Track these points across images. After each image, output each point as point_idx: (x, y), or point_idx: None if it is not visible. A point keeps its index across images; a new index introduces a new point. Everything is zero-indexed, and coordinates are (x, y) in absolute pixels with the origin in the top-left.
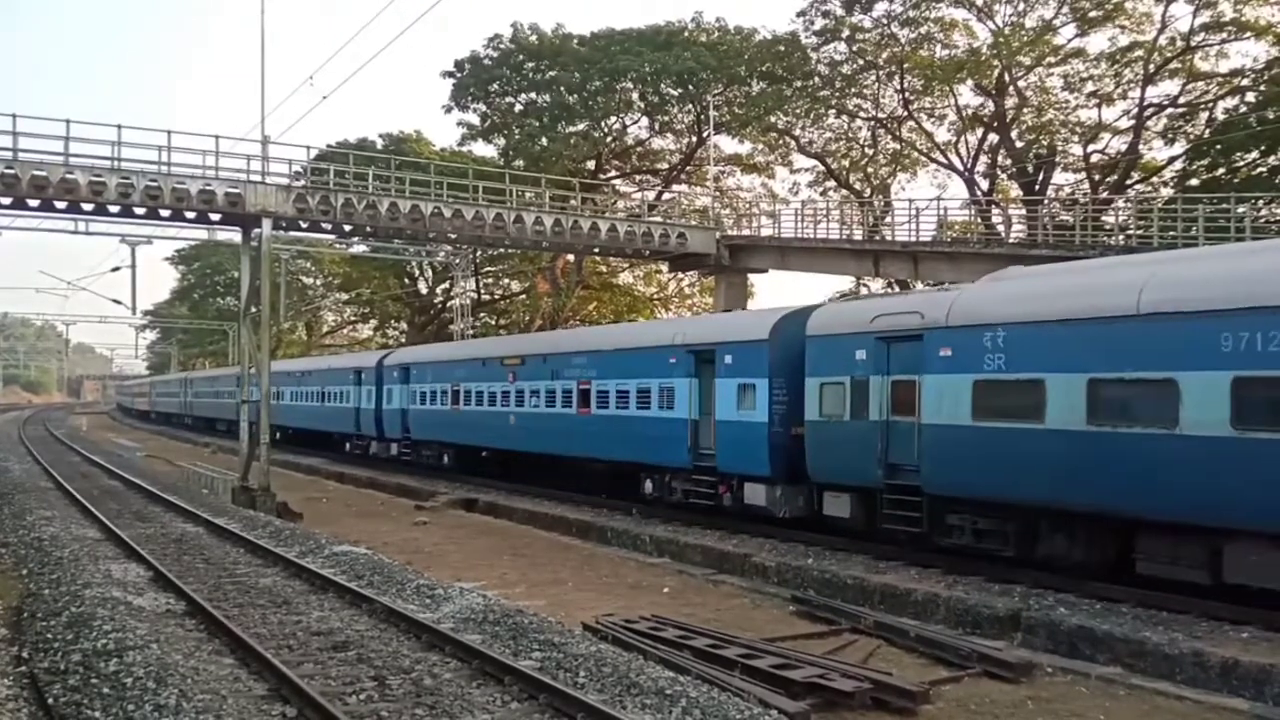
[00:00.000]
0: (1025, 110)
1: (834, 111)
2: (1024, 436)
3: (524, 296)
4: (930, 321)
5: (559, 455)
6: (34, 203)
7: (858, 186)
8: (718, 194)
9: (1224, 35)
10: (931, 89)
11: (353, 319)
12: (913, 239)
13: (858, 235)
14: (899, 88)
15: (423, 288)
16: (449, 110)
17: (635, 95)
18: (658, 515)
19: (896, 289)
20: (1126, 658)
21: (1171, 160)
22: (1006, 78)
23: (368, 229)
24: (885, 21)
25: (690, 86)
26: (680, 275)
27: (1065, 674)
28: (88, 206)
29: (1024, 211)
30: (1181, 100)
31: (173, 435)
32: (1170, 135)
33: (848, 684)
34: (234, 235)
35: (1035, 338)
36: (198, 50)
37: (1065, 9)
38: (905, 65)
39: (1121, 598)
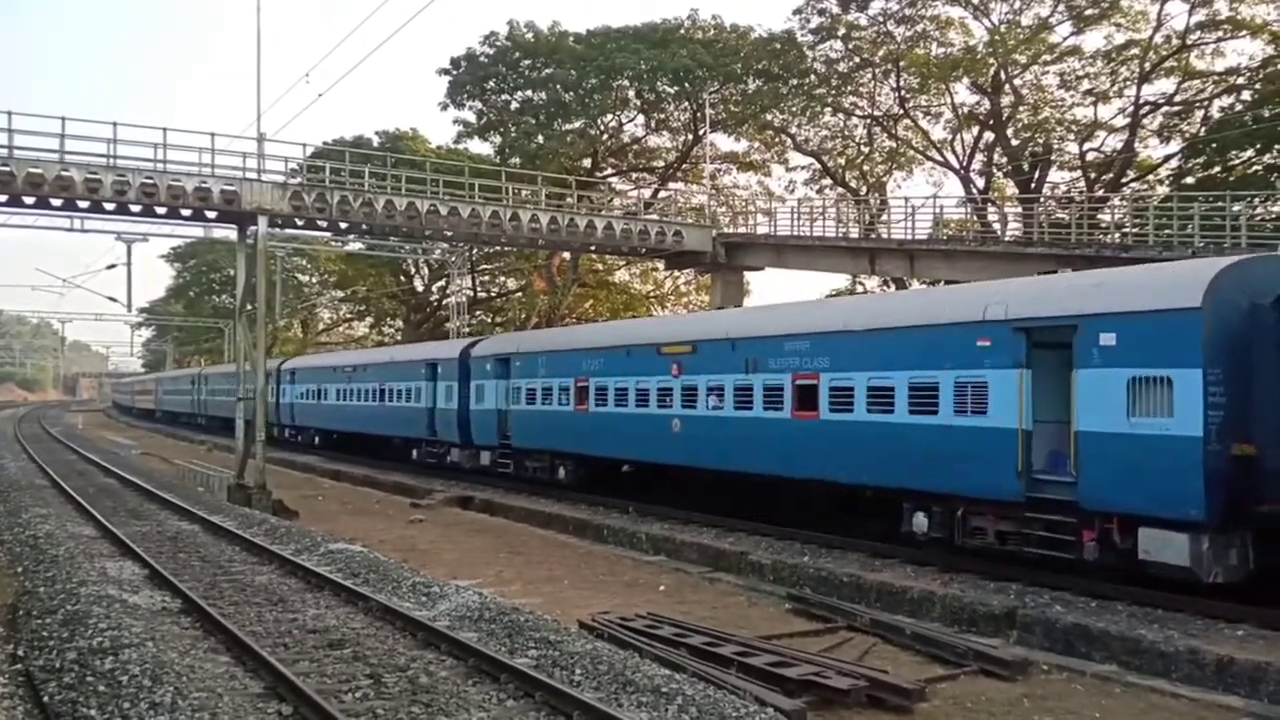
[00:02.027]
0: (1021, 108)
1: (830, 109)
2: None
3: (520, 294)
4: None
5: (756, 474)
6: (29, 200)
7: (854, 184)
8: (714, 192)
9: (1220, 34)
10: (927, 87)
11: (348, 317)
12: (908, 237)
13: (854, 233)
14: (895, 85)
15: (419, 285)
16: (445, 108)
17: (631, 93)
18: (654, 513)
19: (893, 287)
20: (1122, 655)
21: (1167, 158)
22: (1002, 76)
23: (363, 227)
24: (881, 19)
25: (686, 84)
26: (676, 273)
27: (1061, 672)
28: (83, 204)
29: (1020, 210)
30: (1177, 98)
31: (169, 433)
32: (1166, 133)
33: (843, 682)
34: (230, 233)
35: None
36: (195, 48)
37: (1061, 7)
38: (901, 63)
39: (1117, 596)
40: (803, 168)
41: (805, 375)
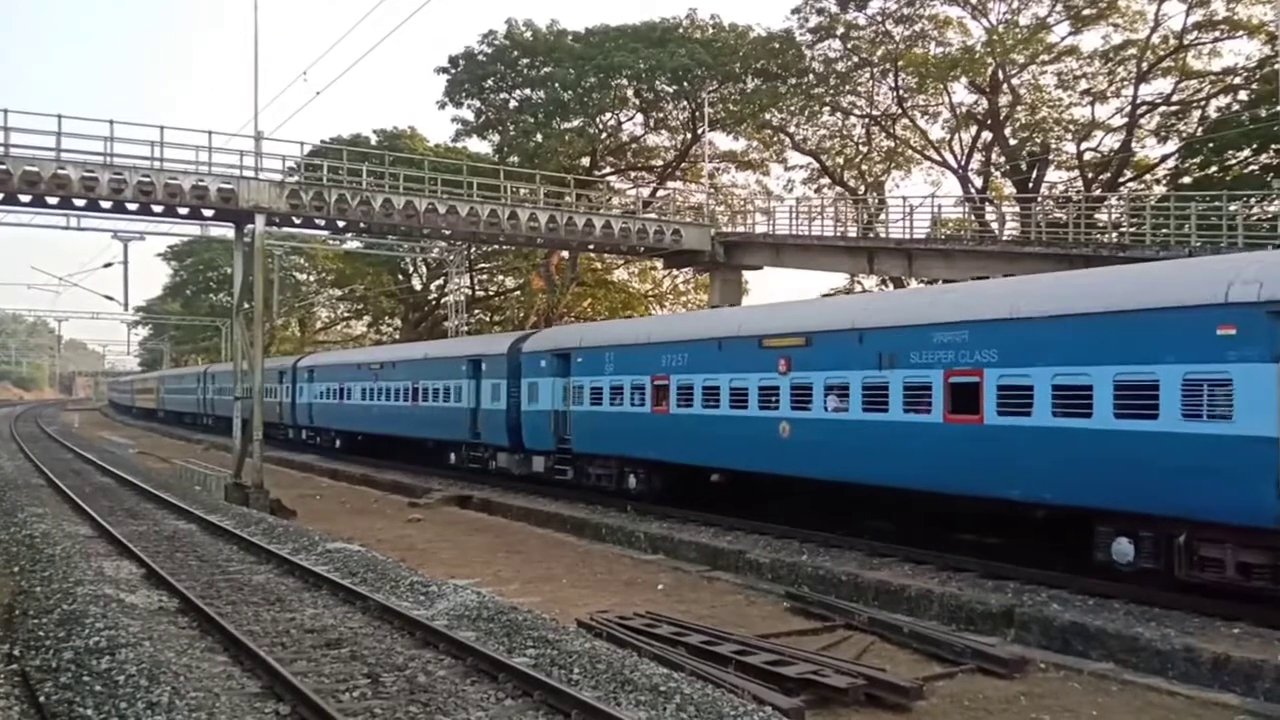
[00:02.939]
0: (1019, 108)
1: (828, 109)
2: None
3: (518, 293)
4: None
5: (890, 486)
6: (26, 198)
7: (852, 184)
8: (712, 191)
9: (1216, 33)
10: (925, 86)
11: (346, 315)
12: (907, 236)
13: (852, 232)
14: (893, 85)
15: (416, 284)
16: (443, 106)
17: (630, 92)
18: (652, 512)
19: (891, 286)
20: (1119, 654)
21: (1164, 158)
22: (1000, 75)
23: (361, 225)
24: (880, 19)
25: (685, 83)
26: (675, 272)
27: (1058, 670)
28: (80, 202)
29: (1017, 209)
30: (1174, 98)
31: (166, 432)
32: (1163, 133)
33: (841, 680)
34: (227, 231)
35: None
36: (193, 47)
37: (1059, 7)
38: (899, 63)
39: (1114, 594)
40: (801, 167)
41: (962, 371)
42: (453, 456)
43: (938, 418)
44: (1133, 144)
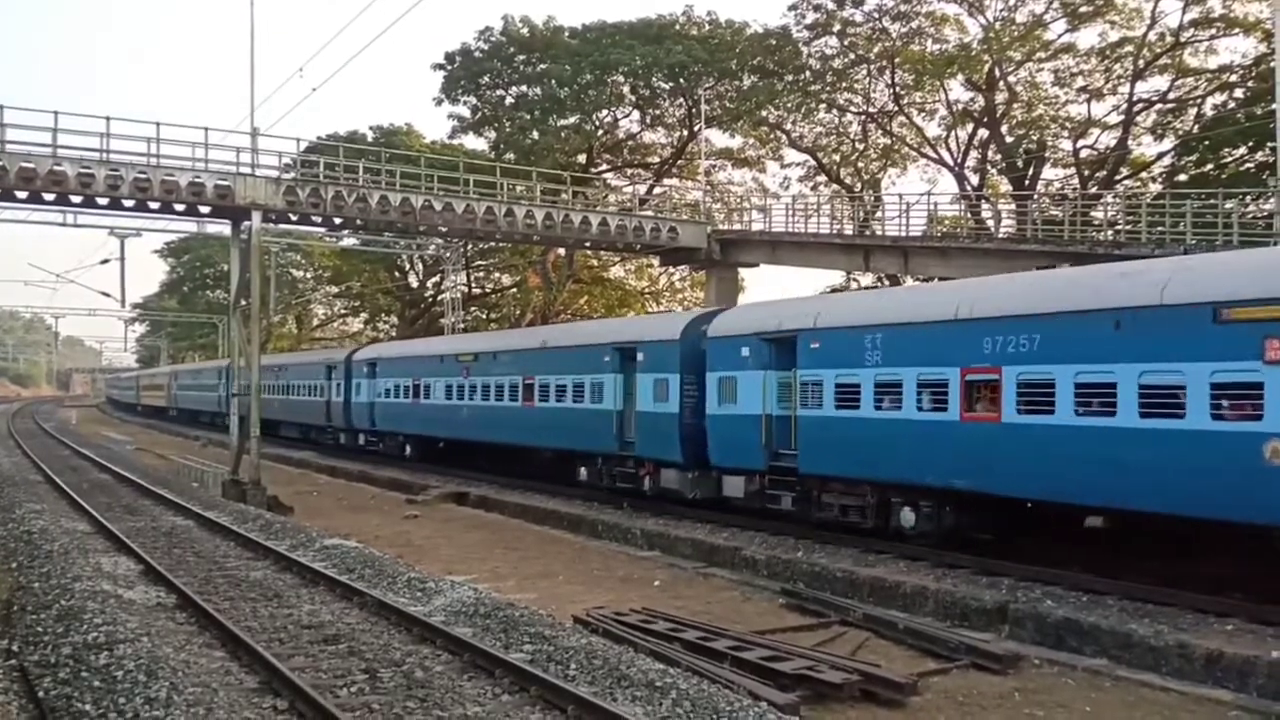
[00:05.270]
0: (1015, 105)
1: (825, 106)
2: None
3: (515, 290)
4: None
5: None
6: (22, 194)
7: (848, 181)
8: (709, 188)
9: (1213, 31)
10: (922, 84)
11: (343, 312)
12: (903, 234)
13: (848, 230)
14: (890, 82)
15: (413, 281)
16: (440, 103)
17: (626, 89)
18: (648, 509)
19: (887, 283)
20: (1113, 650)
21: (1160, 156)
22: (997, 73)
23: (358, 222)
24: (876, 16)
25: (681, 80)
26: (671, 269)
27: (1052, 666)
28: (76, 199)
29: (1013, 207)
30: (1171, 96)
31: (164, 429)
32: (1159, 131)
33: (836, 676)
34: (224, 228)
35: None
36: (190, 43)
37: (1055, 4)
38: (896, 60)
39: (1108, 590)
40: (797, 164)
41: None
42: (584, 472)
43: None
44: (1129, 142)
